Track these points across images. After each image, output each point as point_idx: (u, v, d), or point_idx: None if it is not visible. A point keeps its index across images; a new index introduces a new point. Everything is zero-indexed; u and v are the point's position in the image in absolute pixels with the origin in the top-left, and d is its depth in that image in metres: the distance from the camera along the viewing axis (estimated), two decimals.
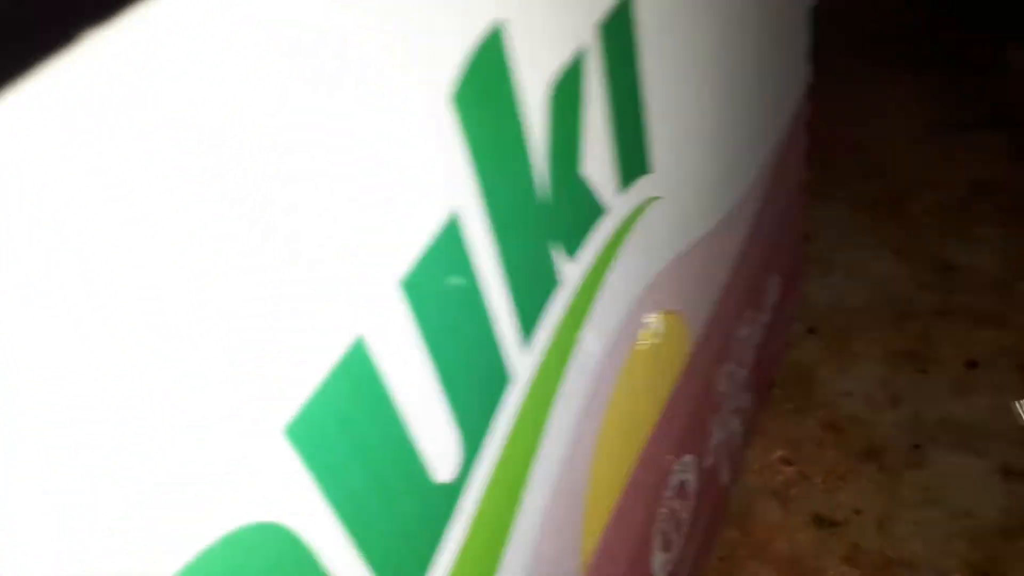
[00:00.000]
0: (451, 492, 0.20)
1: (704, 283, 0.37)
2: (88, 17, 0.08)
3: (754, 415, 0.53)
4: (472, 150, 0.18)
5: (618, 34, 0.23)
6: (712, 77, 0.32)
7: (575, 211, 0.23)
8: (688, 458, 0.40)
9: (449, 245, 0.18)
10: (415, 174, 0.17)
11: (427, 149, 0.17)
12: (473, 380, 0.21)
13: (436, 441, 0.20)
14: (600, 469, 0.30)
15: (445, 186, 0.18)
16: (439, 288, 0.18)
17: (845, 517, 0.50)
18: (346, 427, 0.16)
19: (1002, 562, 0.46)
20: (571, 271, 0.24)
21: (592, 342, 0.27)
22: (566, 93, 0.21)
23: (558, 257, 0.23)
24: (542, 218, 0.22)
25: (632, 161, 0.26)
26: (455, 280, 0.19)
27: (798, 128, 0.47)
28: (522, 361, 0.23)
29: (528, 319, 0.23)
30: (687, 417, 0.39)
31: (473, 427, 0.21)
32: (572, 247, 0.24)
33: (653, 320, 0.32)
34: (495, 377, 0.22)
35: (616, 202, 0.26)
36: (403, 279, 0.17)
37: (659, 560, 0.39)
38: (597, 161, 0.24)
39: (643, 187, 0.27)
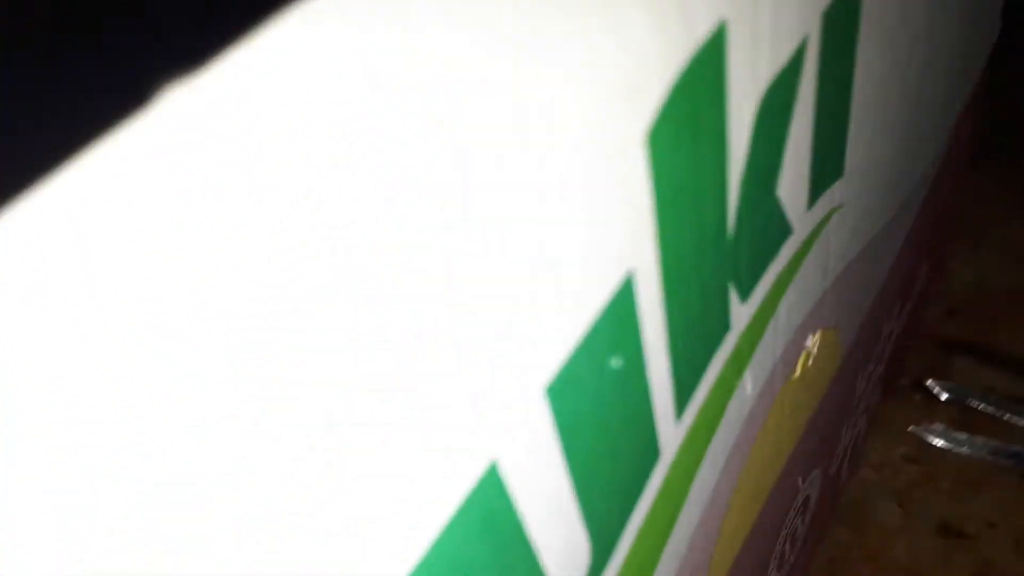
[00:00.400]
0: None
1: (863, 290, 0.31)
2: None
3: (879, 406, 0.47)
4: (658, 193, 0.13)
5: (843, 21, 0.17)
6: (908, 53, 0.25)
7: (761, 241, 0.18)
8: (815, 472, 0.35)
9: (620, 309, 0.13)
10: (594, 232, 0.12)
11: (608, 202, 0.12)
12: (616, 475, 0.16)
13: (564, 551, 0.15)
14: (733, 516, 0.25)
15: (622, 244, 0.13)
16: (593, 380, 0.13)
17: (976, 529, 0.44)
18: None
19: None
20: (742, 312, 0.19)
21: (750, 387, 0.22)
22: (777, 102, 0.15)
23: (733, 300, 0.18)
24: (724, 258, 0.17)
25: (827, 169, 0.20)
26: (617, 361, 0.14)
27: (976, 101, 0.40)
28: (675, 433, 0.18)
29: (688, 385, 0.18)
30: (822, 432, 0.34)
31: (608, 527, 0.17)
32: (749, 285, 0.19)
33: (811, 343, 0.26)
34: (642, 460, 0.17)
35: (804, 219, 0.20)
36: (548, 383, 0.12)
37: None
38: (794, 176, 0.18)
39: (830, 196, 0.22)
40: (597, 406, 0.14)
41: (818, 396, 0.30)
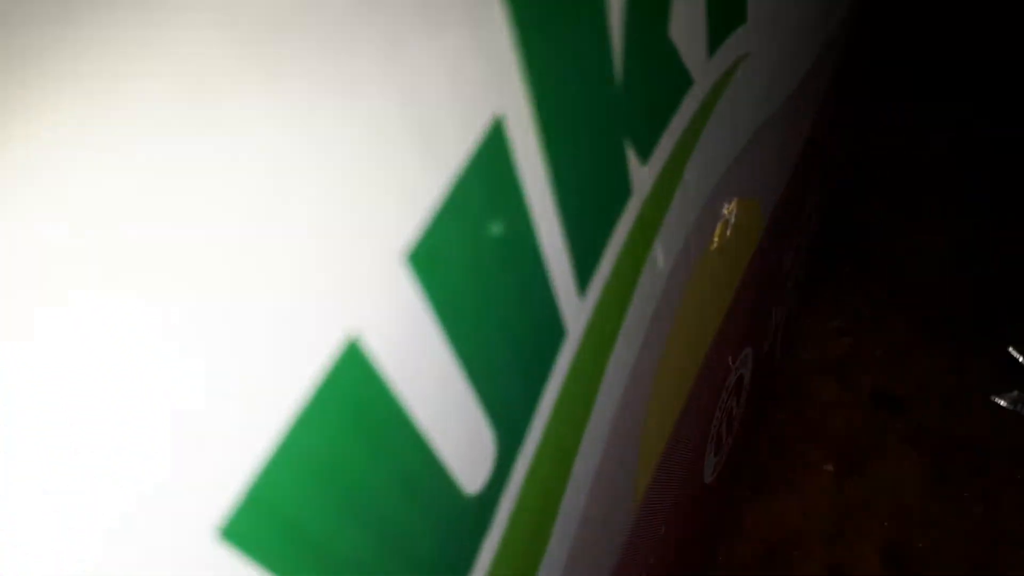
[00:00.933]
0: (485, 502, 0.15)
1: (780, 159, 0.30)
2: None
3: (809, 281, 0.47)
4: (517, 19, 0.11)
5: None
6: None
7: (656, 90, 0.17)
8: (747, 351, 0.35)
9: (490, 163, 0.12)
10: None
11: (455, 30, 0.10)
12: (514, 356, 0.15)
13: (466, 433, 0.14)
14: (659, 398, 0.24)
15: (479, 82, 0.11)
16: (468, 247, 0.12)
17: (907, 394, 0.45)
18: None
19: None
20: (644, 175, 0.18)
21: (662, 259, 0.21)
22: None
23: (631, 160, 0.17)
24: (614, 108, 0.15)
25: (727, 12, 0.19)
26: (496, 225, 0.12)
27: None
28: (579, 310, 0.17)
29: (589, 256, 0.16)
30: (750, 309, 0.33)
31: (512, 411, 0.15)
32: (649, 142, 0.17)
33: (728, 212, 0.25)
34: (544, 339, 0.16)
35: (706, 67, 0.19)
36: (409, 249, 0.11)
37: (711, 463, 0.35)
38: (687, 17, 0.16)
39: (734, 44, 0.20)
40: (477, 277, 0.12)
41: (740, 270, 0.29)
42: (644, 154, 0.17)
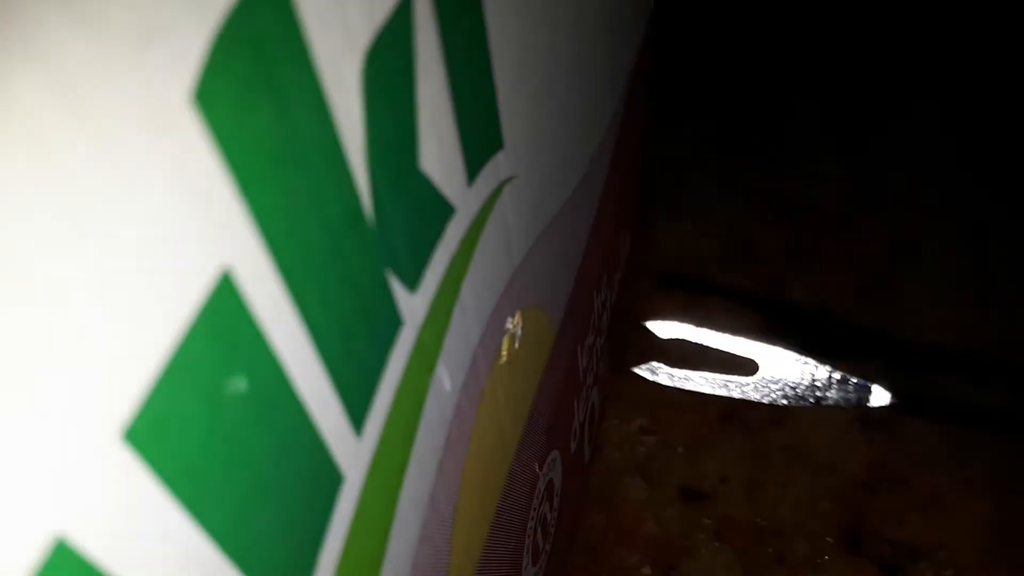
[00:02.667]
0: None
1: (563, 265, 0.31)
2: None
3: (611, 378, 0.48)
4: (236, 170, 0.11)
5: None
6: (558, 20, 0.25)
7: (416, 222, 0.17)
8: (554, 454, 0.35)
9: (222, 318, 0.11)
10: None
11: (161, 185, 0.09)
12: (284, 520, 0.14)
13: None
14: (463, 520, 0.24)
15: (198, 238, 0.10)
16: (202, 413, 0.11)
17: (712, 488, 0.46)
18: None
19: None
20: (415, 303, 0.17)
21: (448, 381, 0.20)
22: (389, 63, 0.14)
23: (397, 290, 0.16)
24: (369, 245, 0.15)
25: (483, 136, 0.19)
26: (238, 383, 0.12)
27: (643, 73, 0.42)
28: (357, 451, 0.16)
29: (360, 395, 0.16)
30: (552, 412, 0.33)
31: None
32: (415, 272, 0.17)
33: (513, 325, 0.25)
34: (318, 490, 0.15)
35: (466, 195, 0.19)
36: (125, 426, 0.10)
37: (529, 573, 0.34)
38: (439, 147, 0.17)
39: (494, 169, 0.21)
40: (220, 441, 0.11)
41: (536, 377, 0.30)
42: (411, 283, 0.17)
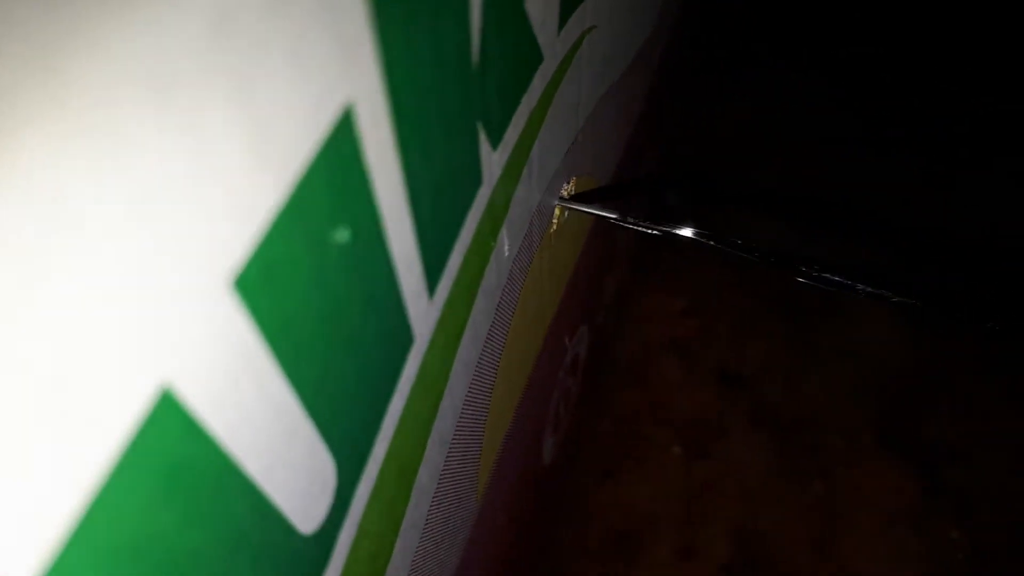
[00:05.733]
0: (323, 539, 0.13)
1: (615, 130, 0.29)
2: None
3: (643, 254, 0.47)
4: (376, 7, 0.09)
5: None
6: None
7: (510, 69, 0.15)
8: (582, 329, 0.35)
9: (337, 161, 0.10)
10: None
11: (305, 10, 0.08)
12: (361, 376, 0.13)
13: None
14: (500, 388, 0.23)
15: (330, 66, 0.09)
16: (307, 264, 0.10)
17: (752, 372, 0.46)
18: None
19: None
20: (494, 161, 0.16)
21: (507, 247, 0.19)
22: None
23: (484, 147, 0.15)
24: (469, 91, 0.13)
25: None
26: (342, 234, 0.10)
27: None
28: (428, 312, 0.15)
29: (439, 255, 0.15)
30: (587, 284, 0.32)
31: (362, 427, 0.14)
32: (500, 126, 0.16)
33: (567, 192, 0.24)
34: (390, 351, 0.14)
35: (555, 43, 0.17)
36: (235, 274, 0.08)
37: (550, 444, 0.34)
38: None
39: (581, 15, 0.19)
40: (317, 297, 0.10)
41: (577, 250, 0.29)
42: (495, 139, 0.16)
